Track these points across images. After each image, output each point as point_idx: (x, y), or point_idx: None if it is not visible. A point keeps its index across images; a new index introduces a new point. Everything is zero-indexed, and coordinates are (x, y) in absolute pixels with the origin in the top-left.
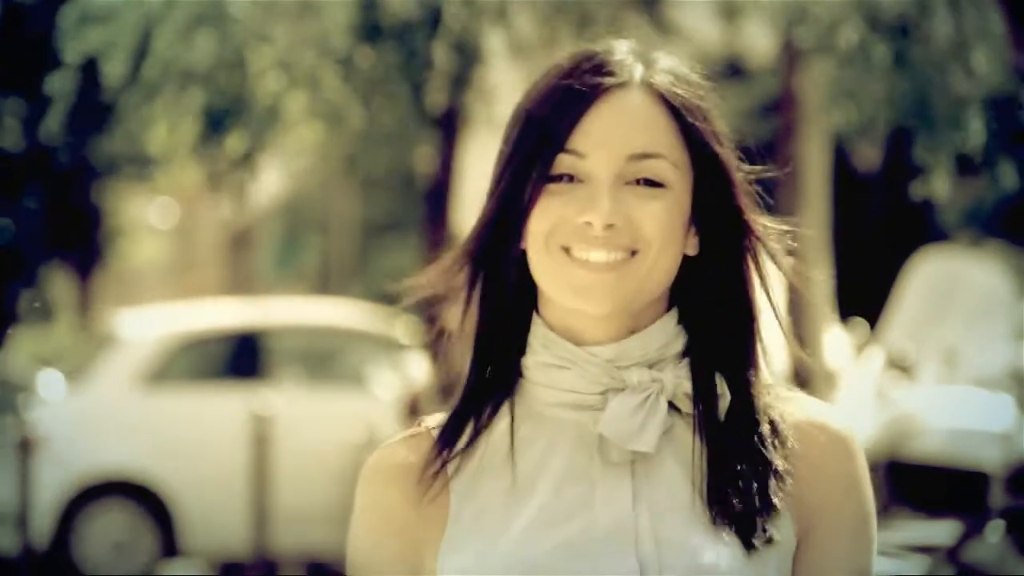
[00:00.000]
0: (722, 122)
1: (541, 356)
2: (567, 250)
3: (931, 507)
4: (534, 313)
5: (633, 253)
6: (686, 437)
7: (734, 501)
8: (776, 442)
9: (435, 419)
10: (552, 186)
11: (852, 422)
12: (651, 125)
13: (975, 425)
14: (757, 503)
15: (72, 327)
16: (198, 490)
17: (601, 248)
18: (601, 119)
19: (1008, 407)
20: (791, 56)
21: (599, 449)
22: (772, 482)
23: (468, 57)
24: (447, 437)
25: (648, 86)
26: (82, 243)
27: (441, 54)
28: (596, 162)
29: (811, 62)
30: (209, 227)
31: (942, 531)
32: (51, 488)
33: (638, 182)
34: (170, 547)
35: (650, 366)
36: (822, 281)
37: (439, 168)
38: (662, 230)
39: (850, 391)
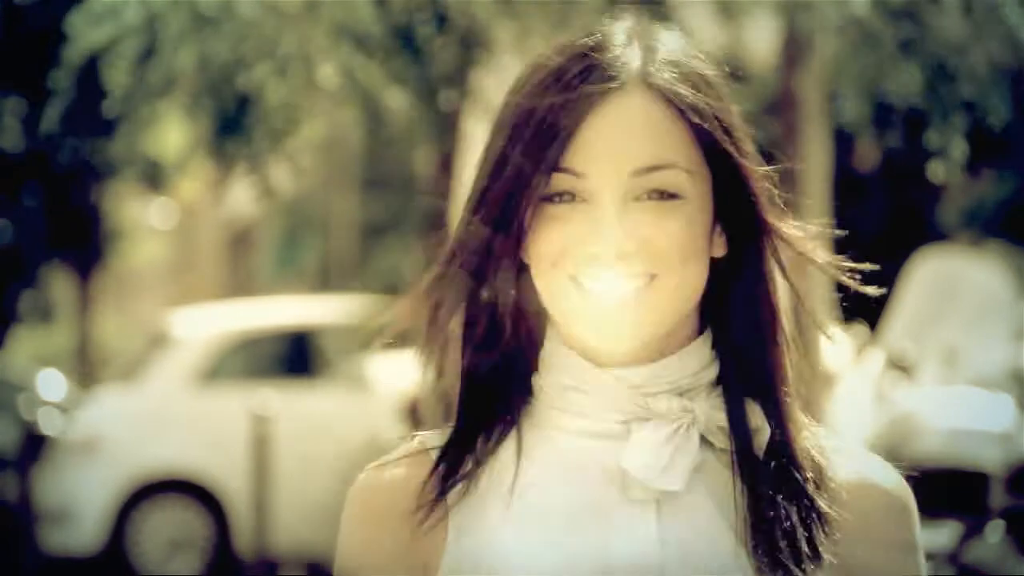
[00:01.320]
0: (734, 112)
1: (558, 376)
2: (575, 278)
3: (931, 507)
4: (548, 327)
5: (652, 277)
6: (720, 475)
7: (781, 549)
8: (821, 484)
9: (434, 437)
10: (552, 208)
11: (852, 423)
12: (656, 131)
13: (975, 425)
14: (806, 550)
15: (72, 327)
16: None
17: (615, 280)
18: (599, 131)
19: (1008, 407)
20: (791, 55)
21: (621, 484)
22: (819, 529)
23: (471, 56)
24: (448, 462)
25: (649, 85)
26: (82, 243)
27: (445, 52)
28: (598, 181)
29: (815, 52)
30: (209, 227)
31: (942, 531)
32: (106, 486)
33: (649, 196)
34: (225, 545)
35: (680, 394)
36: (821, 281)
37: (439, 168)
38: (682, 248)
39: (850, 392)
